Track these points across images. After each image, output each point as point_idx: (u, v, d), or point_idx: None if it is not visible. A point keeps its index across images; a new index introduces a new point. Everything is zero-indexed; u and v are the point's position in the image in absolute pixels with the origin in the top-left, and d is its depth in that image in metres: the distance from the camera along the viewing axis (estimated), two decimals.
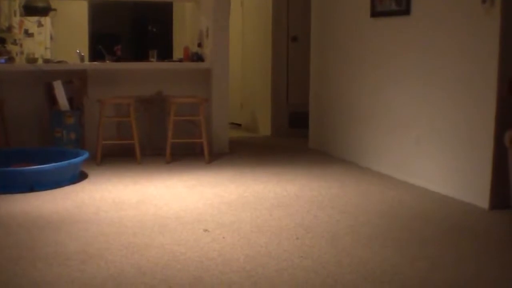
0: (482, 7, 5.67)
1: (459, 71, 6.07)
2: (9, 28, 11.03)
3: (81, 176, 6.98)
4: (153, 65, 8.74)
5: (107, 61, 8.74)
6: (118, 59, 8.84)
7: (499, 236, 4.99)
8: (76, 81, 8.08)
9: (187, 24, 12.40)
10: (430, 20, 6.47)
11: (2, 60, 8.11)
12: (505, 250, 4.65)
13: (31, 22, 11.50)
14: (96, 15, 13.48)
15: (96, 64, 8.75)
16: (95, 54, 10.89)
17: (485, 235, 5.01)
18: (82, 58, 8.77)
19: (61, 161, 6.64)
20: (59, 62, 8.60)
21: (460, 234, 5.02)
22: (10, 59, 8.56)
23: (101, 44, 9.64)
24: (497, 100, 5.59)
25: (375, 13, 7.40)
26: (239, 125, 11.89)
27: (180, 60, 9.10)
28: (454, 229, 5.15)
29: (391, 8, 7.09)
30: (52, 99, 7.90)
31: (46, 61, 8.75)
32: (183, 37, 12.68)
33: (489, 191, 5.72)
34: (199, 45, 9.32)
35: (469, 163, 5.97)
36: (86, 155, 7.02)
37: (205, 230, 5.00)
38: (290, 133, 10.51)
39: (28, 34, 11.51)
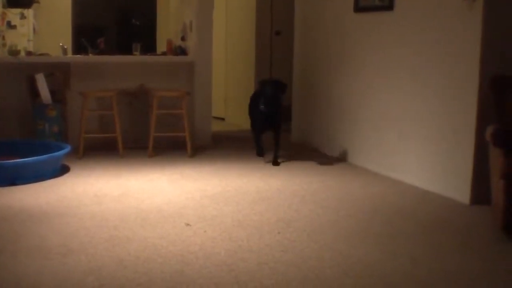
0: (464, 3, 5.69)
1: (441, 67, 6.09)
2: None
3: (63, 170, 6.95)
4: (136, 58, 8.71)
5: (90, 54, 8.71)
6: (101, 52, 8.81)
7: (480, 231, 5.01)
8: (59, 74, 8.05)
9: (171, 17, 12.37)
10: (413, 16, 6.49)
11: None
12: (486, 244, 4.68)
13: (14, 14, 11.44)
14: (80, 8, 13.41)
15: (79, 57, 8.72)
16: (78, 47, 10.84)
17: (466, 230, 5.04)
18: (65, 51, 8.74)
19: (43, 154, 6.61)
20: (41, 54, 8.57)
21: (441, 229, 5.05)
22: None
23: (85, 37, 9.60)
24: (478, 96, 5.62)
25: (358, 8, 7.42)
26: (223, 119, 11.88)
27: (164, 54, 9.08)
28: (435, 224, 5.18)
29: (375, 3, 7.11)
30: (34, 92, 7.86)
31: (29, 53, 8.72)
32: (167, 31, 12.66)
33: (470, 186, 5.76)
34: (183, 38, 9.31)
35: (450, 159, 6.00)
36: (68, 148, 7.00)
37: (187, 224, 5.00)
38: None
39: (10, 26, 11.45)
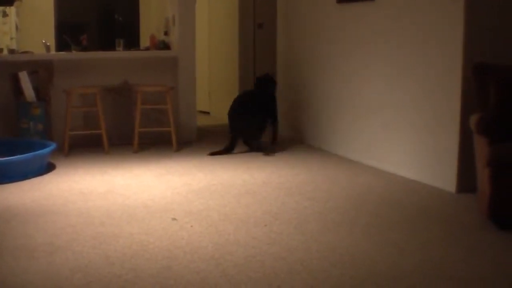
0: None
1: (425, 56, 6.10)
2: None
3: (49, 167, 6.93)
4: (119, 54, 8.68)
5: (73, 51, 8.67)
6: (84, 49, 8.78)
7: (466, 219, 5.03)
8: (42, 71, 8.01)
9: (154, 12, 12.34)
10: (396, 6, 6.49)
11: None
12: (472, 232, 4.70)
13: None
14: (62, 5, 13.34)
15: (62, 54, 8.67)
16: (61, 44, 10.79)
17: (452, 219, 5.05)
18: (48, 48, 8.69)
19: (28, 153, 6.59)
20: (24, 52, 8.52)
21: (428, 218, 5.07)
22: None
23: (68, 33, 9.55)
24: (462, 85, 5.64)
25: None
26: (208, 113, 11.87)
27: (147, 49, 9.06)
28: (421, 213, 5.20)
29: None
30: (18, 90, 7.83)
31: (12, 51, 8.66)
32: (150, 26, 12.63)
33: (456, 175, 5.78)
34: (166, 33, 9.28)
35: (435, 148, 6.01)
36: (53, 146, 6.97)
37: (173, 219, 5.00)
38: None
39: None
